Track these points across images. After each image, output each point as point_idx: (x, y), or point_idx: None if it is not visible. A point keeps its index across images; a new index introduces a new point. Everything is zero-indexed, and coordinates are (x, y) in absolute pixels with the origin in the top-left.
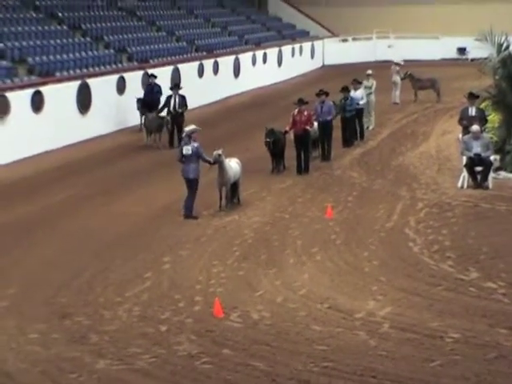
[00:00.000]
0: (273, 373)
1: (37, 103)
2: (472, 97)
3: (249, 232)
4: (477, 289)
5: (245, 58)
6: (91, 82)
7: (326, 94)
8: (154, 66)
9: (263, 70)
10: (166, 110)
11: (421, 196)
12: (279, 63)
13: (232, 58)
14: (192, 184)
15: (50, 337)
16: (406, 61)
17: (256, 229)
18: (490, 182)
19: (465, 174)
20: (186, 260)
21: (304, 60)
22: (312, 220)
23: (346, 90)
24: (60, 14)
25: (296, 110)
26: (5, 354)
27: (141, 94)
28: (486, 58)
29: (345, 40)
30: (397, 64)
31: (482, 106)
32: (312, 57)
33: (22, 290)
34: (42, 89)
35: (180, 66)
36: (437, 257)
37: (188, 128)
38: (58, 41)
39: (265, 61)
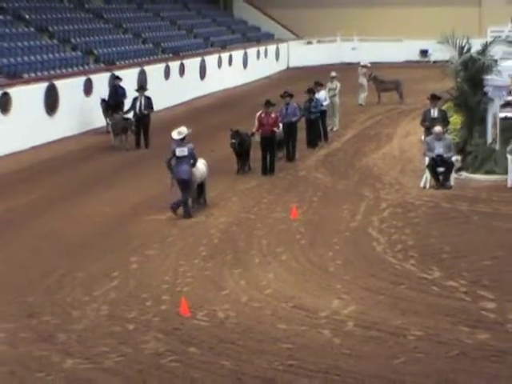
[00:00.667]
0: (238, 371)
1: (4, 104)
2: (434, 98)
3: (215, 232)
4: (439, 287)
5: (210, 60)
6: (58, 83)
7: (291, 95)
8: (121, 68)
9: (229, 72)
10: (132, 112)
11: (384, 196)
12: (244, 65)
13: (198, 60)
14: (187, 184)
15: (17, 336)
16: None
17: (222, 229)
18: (452, 182)
19: (427, 174)
20: (152, 260)
21: (269, 62)
22: (277, 220)
23: (311, 91)
24: (27, 16)
25: (262, 112)
26: None
27: (106, 95)
28: (447, 61)
29: (309, 42)
30: (363, 66)
31: (444, 107)
32: (277, 59)
33: None
34: (10, 90)
35: (146, 67)
36: (400, 256)
37: (180, 130)
38: (26, 43)
39: (230, 63)
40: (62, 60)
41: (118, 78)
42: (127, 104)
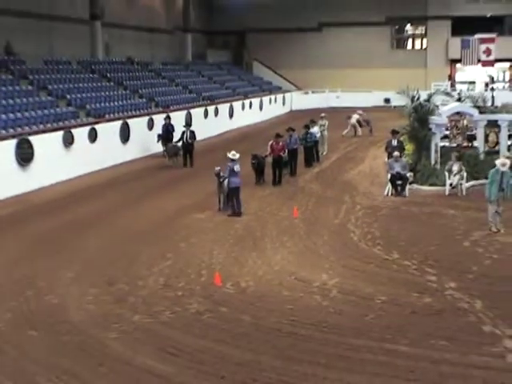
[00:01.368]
0: (256, 323)
1: (92, 136)
2: (394, 132)
3: (239, 226)
4: (397, 265)
5: (236, 105)
6: (130, 121)
7: (293, 129)
8: (174, 111)
9: (249, 113)
10: (181, 141)
11: (359, 201)
12: (260, 108)
13: (227, 105)
14: (239, 191)
15: (100, 298)
16: (347, 107)
17: (244, 224)
18: (407, 192)
19: (389, 186)
20: (195, 245)
21: (278, 106)
22: (283, 218)
23: (307, 127)
24: (109, 75)
25: (273, 141)
26: (68, 304)
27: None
28: (404, 106)
29: (306, 92)
30: (360, 114)
31: (402, 138)
32: (283, 104)
33: (83, 267)
34: (96, 126)
35: (191, 110)
36: (370, 243)
37: (233, 153)
38: (108, 93)
39: (250, 107)
40: (132, 105)
41: (168, 117)
42: (175, 136)
